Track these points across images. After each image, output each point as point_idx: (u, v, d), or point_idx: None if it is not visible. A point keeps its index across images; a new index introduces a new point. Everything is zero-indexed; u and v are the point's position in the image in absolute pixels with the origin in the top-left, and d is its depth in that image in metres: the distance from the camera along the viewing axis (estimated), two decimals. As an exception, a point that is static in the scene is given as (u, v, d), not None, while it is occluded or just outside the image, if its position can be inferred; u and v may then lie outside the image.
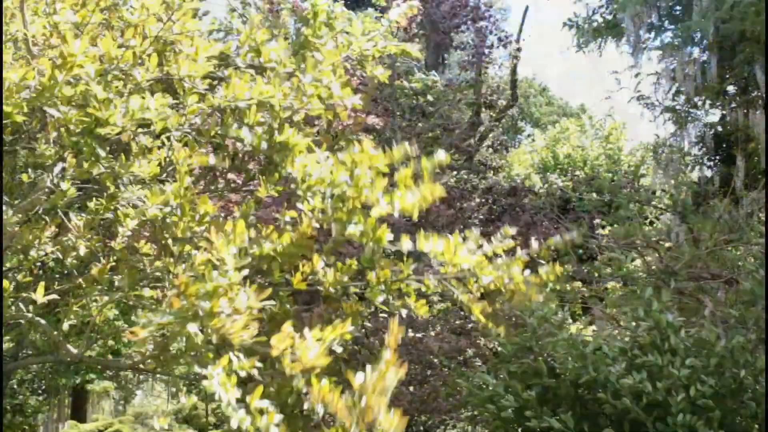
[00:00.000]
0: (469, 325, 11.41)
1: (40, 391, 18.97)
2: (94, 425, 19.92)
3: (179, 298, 2.78)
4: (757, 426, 5.38)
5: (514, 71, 15.97)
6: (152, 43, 2.98)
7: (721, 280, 8.69)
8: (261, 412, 3.68)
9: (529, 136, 26.95)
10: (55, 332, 3.80)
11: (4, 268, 3.59)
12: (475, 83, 15.09)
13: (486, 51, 14.81)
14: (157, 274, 3.69)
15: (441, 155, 2.94)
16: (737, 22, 9.78)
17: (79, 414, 23.12)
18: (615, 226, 9.24)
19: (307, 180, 2.99)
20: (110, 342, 17.92)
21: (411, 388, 11.17)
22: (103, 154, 2.95)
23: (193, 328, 3.03)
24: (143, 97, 2.82)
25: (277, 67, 3.20)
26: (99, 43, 2.83)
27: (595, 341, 5.42)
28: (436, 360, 10.44)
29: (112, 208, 3.23)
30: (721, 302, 7.97)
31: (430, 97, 14.29)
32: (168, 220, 3.18)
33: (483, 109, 15.47)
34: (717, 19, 10.13)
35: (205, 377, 3.78)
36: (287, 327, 2.73)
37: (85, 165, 2.97)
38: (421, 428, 10.59)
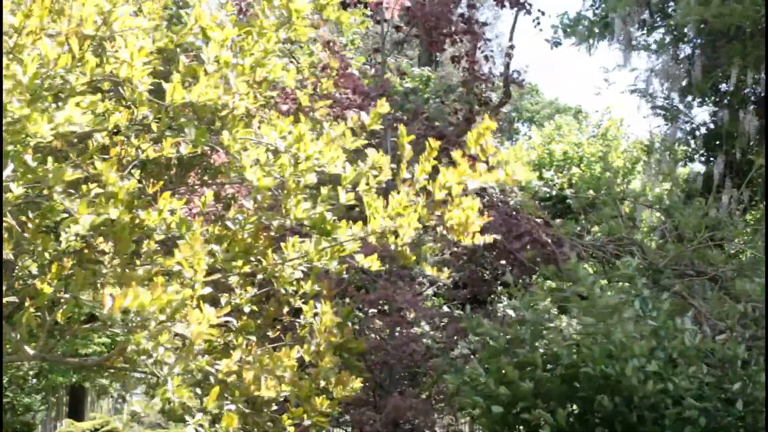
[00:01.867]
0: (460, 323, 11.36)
1: (36, 389, 18.97)
2: (90, 423, 19.93)
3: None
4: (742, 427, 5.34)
5: (507, 69, 15.89)
6: (89, 46, 2.97)
7: (706, 277, 8.66)
8: (217, 416, 3.67)
9: (524, 134, 26.86)
10: (13, 333, 3.79)
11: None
12: (468, 79, 15.02)
13: (479, 54, 14.73)
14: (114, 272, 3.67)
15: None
16: (724, 19, 9.74)
17: (76, 412, 23.18)
18: (601, 225, 9.21)
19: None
20: (106, 340, 17.97)
21: (401, 387, 11.13)
22: (32, 163, 2.93)
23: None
24: (78, 104, 2.80)
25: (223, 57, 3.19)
26: (38, 44, 2.82)
27: (583, 339, 5.41)
28: (422, 348, 10.37)
29: (57, 212, 3.21)
30: (707, 299, 7.95)
31: (426, 95, 14.21)
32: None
33: (476, 107, 15.38)
34: (702, 15, 10.10)
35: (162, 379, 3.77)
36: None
37: (20, 173, 2.95)
38: (408, 426, 10.54)
